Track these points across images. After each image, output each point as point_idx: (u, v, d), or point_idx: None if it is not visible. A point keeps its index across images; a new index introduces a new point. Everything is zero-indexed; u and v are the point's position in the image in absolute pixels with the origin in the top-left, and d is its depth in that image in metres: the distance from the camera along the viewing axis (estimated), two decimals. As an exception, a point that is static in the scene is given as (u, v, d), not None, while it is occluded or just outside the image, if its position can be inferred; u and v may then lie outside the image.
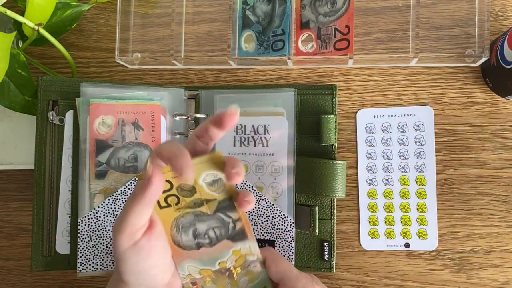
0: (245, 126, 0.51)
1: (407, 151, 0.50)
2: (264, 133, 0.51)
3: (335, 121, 0.50)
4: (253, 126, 0.51)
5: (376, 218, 0.50)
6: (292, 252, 0.50)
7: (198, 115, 0.52)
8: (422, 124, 0.50)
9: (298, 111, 0.51)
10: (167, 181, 0.34)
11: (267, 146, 0.50)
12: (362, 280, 0.51)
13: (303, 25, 0.52)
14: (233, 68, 0.55)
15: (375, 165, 0.50)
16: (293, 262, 0.50)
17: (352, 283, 0.51)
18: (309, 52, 0.52)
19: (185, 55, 0.55)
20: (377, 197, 0.50)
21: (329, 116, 0.49)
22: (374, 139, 0.50)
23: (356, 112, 0.52)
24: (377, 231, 0.50)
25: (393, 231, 0.50)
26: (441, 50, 0.51)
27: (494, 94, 0.50)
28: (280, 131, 0.50)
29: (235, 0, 0.54)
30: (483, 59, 0.48)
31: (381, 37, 0.52)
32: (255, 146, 0.51)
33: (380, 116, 0.50)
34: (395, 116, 0.50)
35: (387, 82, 0.52)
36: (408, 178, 0.50)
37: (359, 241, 0.51)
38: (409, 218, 0.50)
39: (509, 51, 0.43)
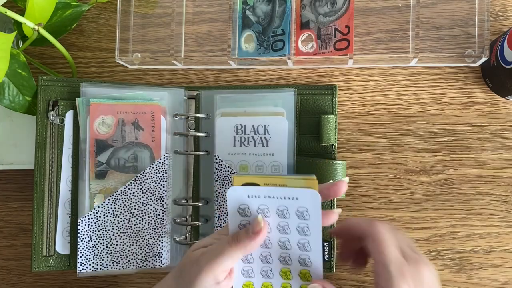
0: (245, 126, 0.51)
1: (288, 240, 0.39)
2: (264, 133, 0.51)
3: (335, 121, 0.50)
4: (253, 126, 0.51)
5: None
6: None
7: (198, 115, 0.52)
8: (306, 211, 0.37)
9: (298, 111, 0.51)
10: None
11: (267, 146, 0.50)
12: (362, 280, 0.51)
13: (303, 25, 0.52)
14: (233, 68, 0.55)
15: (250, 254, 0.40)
16: None
17: (352, 283, 0.51)
18: (309, 52, 0.52)
19: (185, 55, 0.55)
20: None
21: (329, 116, 0.49)
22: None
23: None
24: None
25: None
26: (441, 50, 0.51)
27: (494, 94, 0.50)
28: (280, 131, 0.50)
29: (235, 0, 0.54)
30: (483, 59, 0.48)
31: (381, 37, 0.52)
32: (255, 146, 0.51)
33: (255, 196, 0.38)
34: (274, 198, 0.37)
35: (387, 82, 0.52)
36: (290, 269, 0.39)
37: None
38: None
39: (509, 51, 0.43)
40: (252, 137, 0.51)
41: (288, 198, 0.37)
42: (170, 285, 0.40)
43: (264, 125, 0.51)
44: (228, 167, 0.51)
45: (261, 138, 0.51)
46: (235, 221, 0.38)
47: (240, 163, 0.51)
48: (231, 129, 0.51)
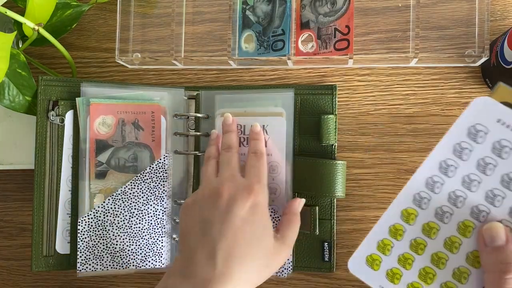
0: (244, 126, 0.51)
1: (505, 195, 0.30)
2: (263, 133, 0.50)
3: (335, 121, 0.50)
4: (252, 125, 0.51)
5: (391, 246, 0.36)
6: (292, 252, 0.50)
7: (198, 115, 0.52)
8: None
9: (298, 111, 0.51)
10: None
11: (266, 146, 0.50)
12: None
13: (303, 25, 0.52)
14: (233, 68, 0.55)
15: (441, 184, 0.33)
16: (293, 263, 0.50)
17: (352, 283, 0.51)
18: (309, 52, 0.52)
19: (185, 55, 0.55)
20: (413, 223, 0.35)
21: (329, 116, 0.49)
22: (471, 151, 0.31)
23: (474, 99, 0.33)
24: (380, 263, 0.36)
25: (401, 276, 0.35)
26: (441, 50, 0.51)
27: (494, 94, 0.50)
28: (279, 131, 0.50)
29: (235, 0, 0.54)
30: (483, 59, 0.48)
31: (381, 37, 0.52)
32: None
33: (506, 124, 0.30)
34: None
35: (387, 82, 0.52)
36: (474, 228, 0.32)
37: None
38: (433, 275, 0.34)
39: (509, 51, 0.43)
40: None
41: None
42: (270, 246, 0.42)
43: (263, 125, 0.50)
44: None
45: None
46: (456, 138, 0.31)
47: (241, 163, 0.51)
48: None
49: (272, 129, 0.50)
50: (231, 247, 0.39)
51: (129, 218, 0.50)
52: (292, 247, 0.45)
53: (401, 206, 0.34)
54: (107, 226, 0.50)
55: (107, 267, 0.50)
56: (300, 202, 0.47)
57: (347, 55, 0.49)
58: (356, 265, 0.36)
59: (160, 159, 0.51)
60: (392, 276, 0.35)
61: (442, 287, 0.33)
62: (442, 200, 0.32)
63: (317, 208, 0.50)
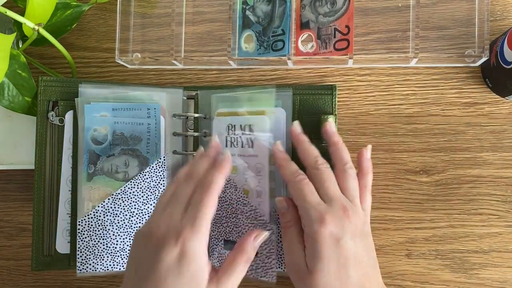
0: (234, 126, 0.50)
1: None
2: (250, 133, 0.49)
3: (335, 121, 0.50)
4: (240, 125, 0.49)
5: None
6: (273, 259, 0.46)
7: (196, 115, 0.52)
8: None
9: (298, 111, 0.51)
10: None
11: (252, 147, 0.49)
12: (362, 280, 0.51)
13: (303, 25, 0.52)
14: (233, 68, 0.55)
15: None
16: (285, 265, 0.46)
17: (352, 283, 0.51)
18: (309, 52, 0.52)
19: (185, 55, 0.55)
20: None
21: (329, 116, 0.49)
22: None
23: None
24: None
25: None
26: (441, 50, 0.51)
27: (494, 94, 0.50)
28: (263, 130, 0.49)
29: (235, 0, 0.54)
30: (483, 59, 0.48)
31: (381, 37, 0.52)
32: (242, 146, 0.50)
33: None
34: None
35: (387, 82, 0.52)
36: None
37: None
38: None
39: (509, 51, 0.43)
40: (240, 137, 0.50)
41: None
42: None
43: (249, 125, 0.49)
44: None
45: (247, 138, 0.49)
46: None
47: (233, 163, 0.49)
48: (224, 129, 0.50)
49: (257, 128, 0.49)
50: None
51: (129, 218, 0.50)
52: None
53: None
54: (107, 225, 0.50)
55: (107, 267, 0.50)
56: (257, 237, 0.41)
57: (347, 55, 0.49)
58: None
59: (160, 159, 0.51)
60: None
61: None
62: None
63: (317, 208, 0.49)
